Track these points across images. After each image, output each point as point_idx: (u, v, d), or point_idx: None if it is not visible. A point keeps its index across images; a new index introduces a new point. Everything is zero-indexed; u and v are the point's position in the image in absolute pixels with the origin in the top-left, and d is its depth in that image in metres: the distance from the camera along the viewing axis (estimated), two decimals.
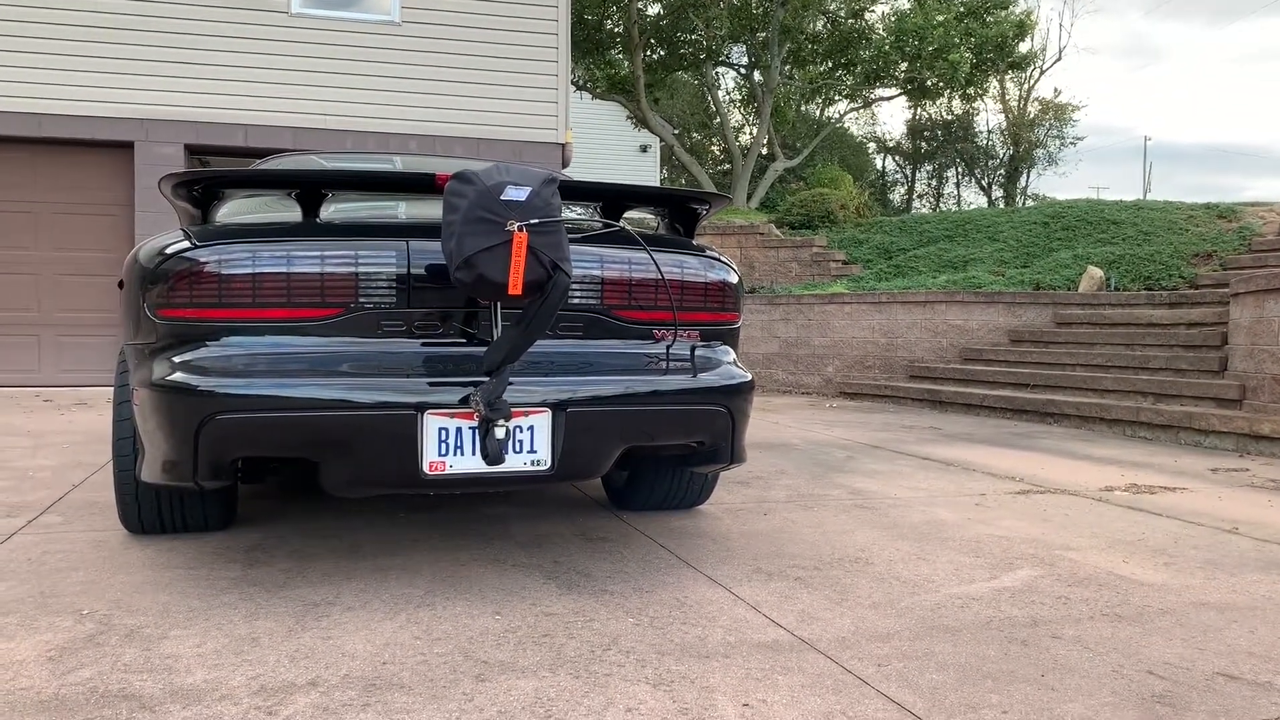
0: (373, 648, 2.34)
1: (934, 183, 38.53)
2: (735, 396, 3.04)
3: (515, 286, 2.41)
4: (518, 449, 2.75)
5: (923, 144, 36.60)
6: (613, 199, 3.17)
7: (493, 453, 2.61)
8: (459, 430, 2.68)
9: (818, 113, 26.58)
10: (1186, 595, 2.93)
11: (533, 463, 2.77)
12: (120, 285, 3.19)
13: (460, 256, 2.41)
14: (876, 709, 2.04)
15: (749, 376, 3.14)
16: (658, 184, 25.34)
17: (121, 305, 3.25)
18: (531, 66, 11.06)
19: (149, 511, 3.34)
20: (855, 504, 4.24)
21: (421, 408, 2.66)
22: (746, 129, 20.85)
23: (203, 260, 2.69)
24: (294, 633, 2.45)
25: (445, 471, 2.69)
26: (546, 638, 2.44)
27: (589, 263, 2.89)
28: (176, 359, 2.70)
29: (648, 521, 3.79)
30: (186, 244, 2.73)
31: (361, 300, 2.72)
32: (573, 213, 3.38)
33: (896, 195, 38.35)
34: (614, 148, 25.25)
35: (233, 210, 3.32)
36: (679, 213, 3.37)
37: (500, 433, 2.61)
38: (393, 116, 10.57)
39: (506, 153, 10.87)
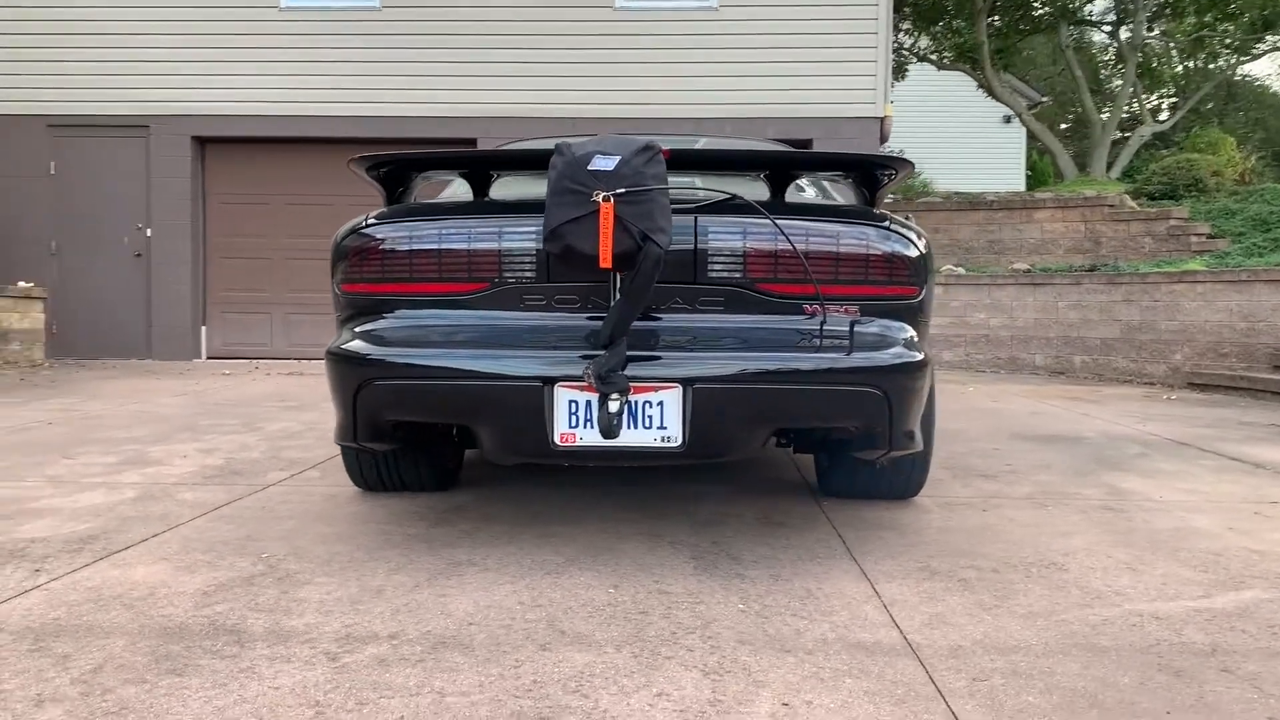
0: (472, 609, 2.43)
1: None
2: (893, 377, 2.80)
3: (605, 259, 2.38)
4: (647, 424, 2.73)
5: None
6: (776, 166, 3.02)
7: (605, 426, 2.60)
8: (588, 403, 2.70)
9: (1209, 68, 23.53)
10: None
11: (663, 439, 2.73)
12: None
13: (548, 228, 2.42)
14: None
15: (918, 356, 2.87)
16: (1023, 157, 23.70)
17: None
18: (848, 40, 10.77)
19: (369, 470, 3.66)
20: (1102, 505, 3.77)
21: (552, 380, 2.71)
22: (1121, 93, 18.85)
23: (369, 239, 2.92)
24: (418, 588, 2.59)
25: (575, 443, 2.73)
26: (641, 615, 2.41)
27: (729, 234, 2.79)
28: (350, 330, 2.96)
29: (844, 509, 3.60)
30: (360, 225, 2.97)
31: (505, 275, 2.82)
32: (737, 183, 3.27)
33: None
34: (973, 119, 23.75)
35: (451, 193, 3.56)
36: (863, 180, 3.17)
37: (614, 406, 2.60)
38: (703, 102, 10.72)
39: (820, 130, 10.70)
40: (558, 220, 2.41)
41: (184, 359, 11.04)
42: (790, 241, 2.71)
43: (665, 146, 2.80)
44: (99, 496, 3.69)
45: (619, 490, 3.86)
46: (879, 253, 2.87)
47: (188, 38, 10.92)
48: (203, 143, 11.21)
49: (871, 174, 3.11)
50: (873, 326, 2.88)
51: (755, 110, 10.73)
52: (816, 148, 10.60)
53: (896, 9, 17.44)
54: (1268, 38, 17.71)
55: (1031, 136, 19.90)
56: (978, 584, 2.72)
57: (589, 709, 1.87)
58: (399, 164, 3.05)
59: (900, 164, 3.07)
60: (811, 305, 2.82)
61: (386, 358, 2.81)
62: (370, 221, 2.97)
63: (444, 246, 2.84)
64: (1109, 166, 16.60)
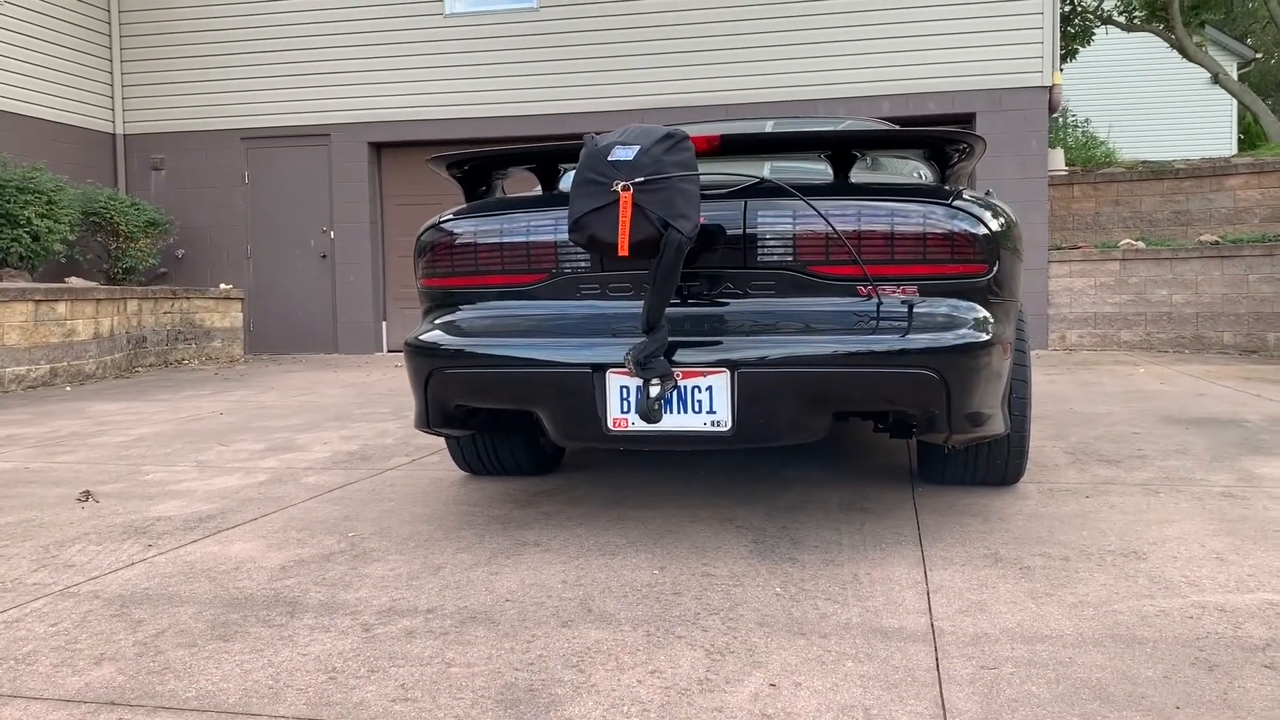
0: (515, 587, 2.54)
1: None
2: (950, 359, 2.71)
3: (623, 247, 2.43)
4: (696, 409, 2.77)
5: None
6: (833, 145, 2.98)
7: (645, 411, 2.66)
8: (638, 389, 2.76)
9: None
10: None
11: (712, 423, 2.76)
12: None
13: (571, 218, 2.50)
14: (909, 713, 1.79)
15: (982, 337, 2.76)
16: (1234, 121, 21.91)
17: None
18: (1011, 7, 10.30)
19: (470, 454, 3.84)
20: (1224, 493, 3.52)
21: (603, 367, 2.78)
22: None
23: (442, 235, 3.09)
24: (476, 567, 2.73)
25: (627, 428, 2.80)
26: (674, 596, 2.45)
27: (778, 218, 2.78)
28: (430, 321, 3.14)
29: (938, 496, 3.51)
30: (435, 222, 3.14)
31: (562, 266, 2.92)
32: (801, 164, 3.24)
33: None
34: (1174, 82, 22.01)
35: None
36: (934, 156, 3.08)
37: (654, 391, 2.65)
38: (861, 80, 10.51)
39: (982, 103, 10.32)
40: (580, 211, 2.49)
41: (366, 353, 11.75)
42: (828, 221, 2.68)
43: (718, 132, 2.83)
44: (233, 480, 4.03)
45: (711, 475, 3.89)
46: (939, 231, 2.79)
47: (361, 49, 11.59)
48: (378, 148, 11.87)
49: (941, 150, 3.02)
50: (935, 307, 2.80)
51: (913, 86, 10.44)
52: (979, 122, 10.25)
53: None
54: None
55: (1238, 98, 18.39)
56: (1039, 572, 2.62)
57: (579, 682, 1.94)
58: (473, 161, 3.19)
59: (972, 139, 2.97)
60: (865, 286, 2.78)
61: (451, 347, 2.97)
62: (445, 219, 3.13)
63: (505, 240, 2.97)
64: None
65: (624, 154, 2.45)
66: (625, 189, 2.42)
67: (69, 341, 8.34)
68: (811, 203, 2.68)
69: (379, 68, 11.58)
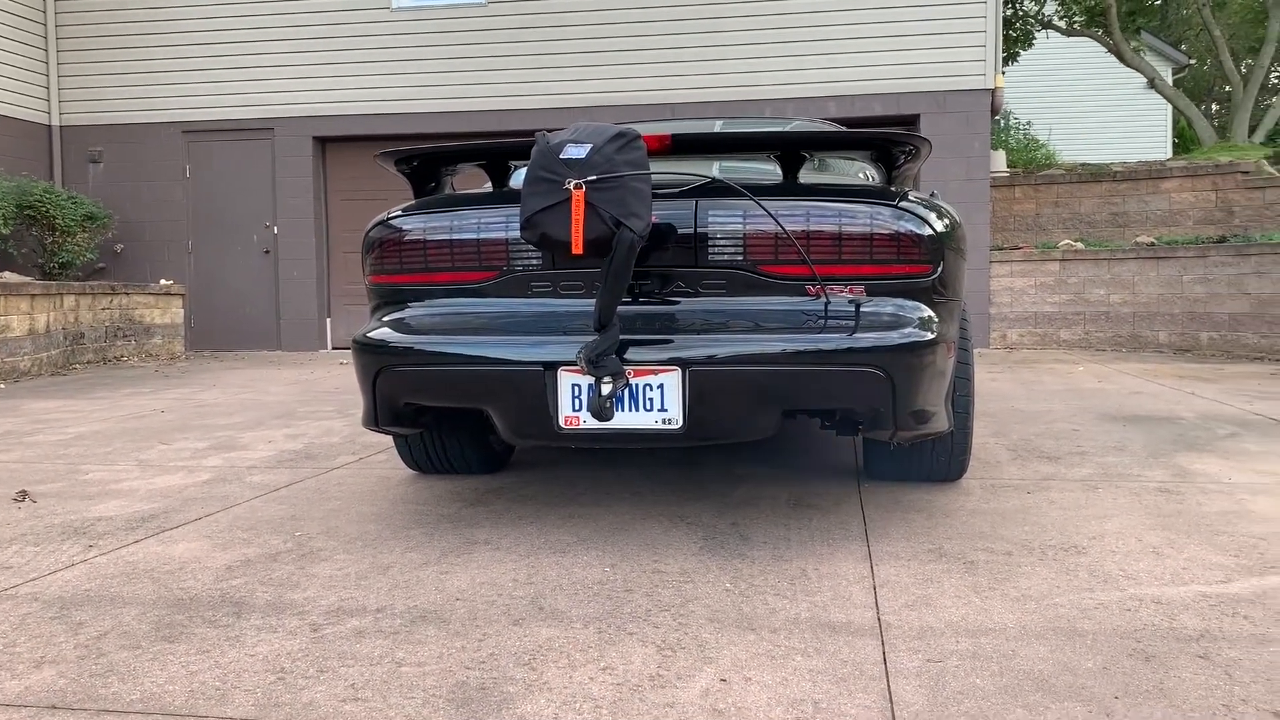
0: (466, 585, 2.54)
1: None
2: (895, 357, 2.75)
3: (577, 245, 2.44)
4: (648, 406, 2.78)
5: None
6: (782, 147, 3.01)
7: (596, 409, 2.67)
8: (590, 387, 2.76)
9: None
10: None
11: (663, 421, 2.77)
12: None
13: (523, 216, 2.50)
14: (858, 705, 1.82)
15: (926, 336, 2.81)
16: (1168, 125, 22.42)
17: None
18: (954, 10, 10.45)
19: (418, 452, 3.82)
20: (1159, 488, 3.61)
21: (555, 365, 2.78)
22: (1263, 52, 17.58)
23: (390, 231, 3.06)
24: (425, 566, 2.72)
25: (579, 426, 2.80)
26: (626, 593, 2.47)
27: (728, 217, 2.80)
28: (377, 318, 3.11)
29: (883, 492, 3.57)
30: (383, 219, 3.11)
31: (513, 263, 2.91)
32: (747, 165, 3.27)
33: None
34: (1112, 86, 22.47)
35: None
36: (880, 158, 3.13)
37: (605, 389, 2.65)
38: (806, 81, 10.60)
39: (926, 105, 10.46)
40: (532, 209, 2.49)
41: (310, 350, 11.60)
42: (777, 221, 2.71)
43: (669, 131, 2.84)
44: (176, 479, 3.97)
45: (661, 473, 3.91)
46: (886, 231, 2.83)
47: (306, 42, 11.44)
48: (323, 142, 11.72)
49: (888, 152, 3.06)
50: (881, 306, 2.84)
51: (859, 88, 10.55)
52: (923, 123, 10.39)
53: None
54: None
55: (1172, 102, 18.84)
56: (982, 567, 2.67)
57: (531, 680, 1.94)
58: (423, 158, 3.17)
59: (918, 141, 3.01)
60: (813, 286, 2.81)
61: (400, 344, 2.95)
62: (394, 215, 3.11)
63: (455, 237, 2.96)
64: (1252, 131, 15.59)
65: (576, 152, 2.45)
66: (578, 187, 2.42)
67: (2, 338, 8.13)
68: (762, 203, 2.70)
69: (324, 61, 11.45)
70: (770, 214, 2.70)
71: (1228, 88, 27.95)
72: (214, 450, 4.66)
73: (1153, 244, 10.49)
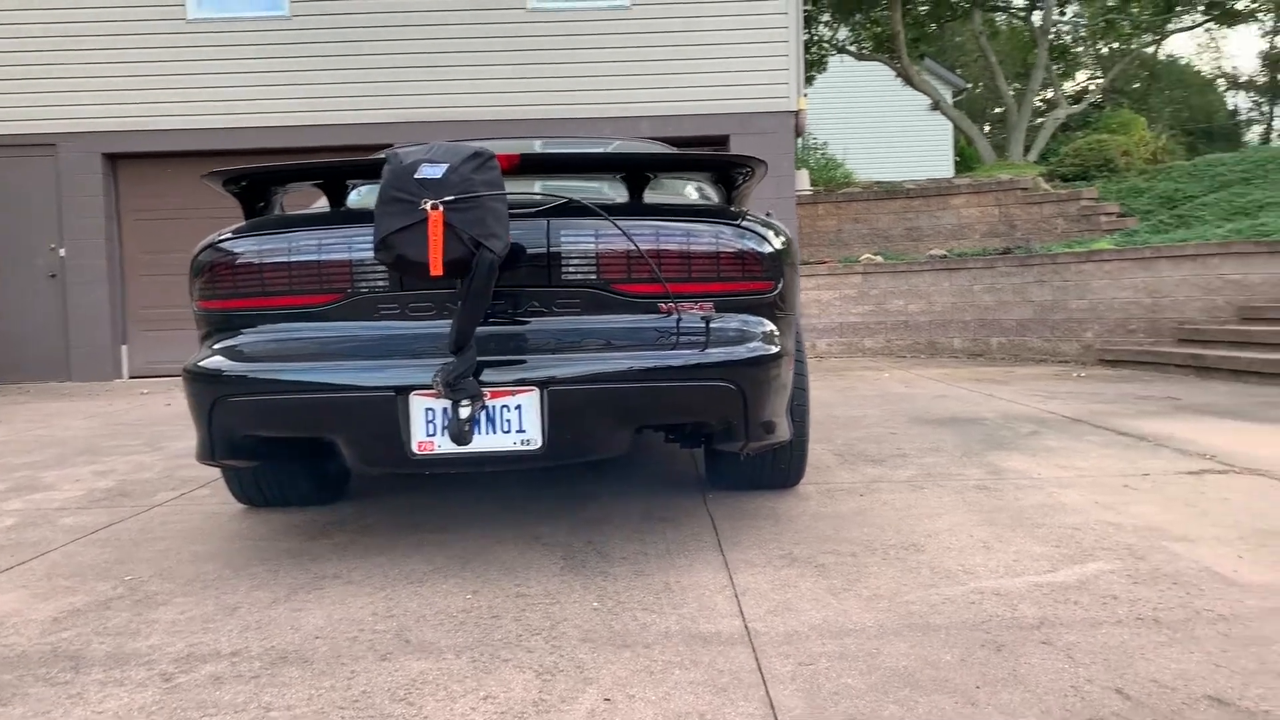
0: (323, 622, 2.44)
1: None
2: (746, 371, 2.84)
3: (436, 267, 2.40)
4: (506, 428, 2.75)
5: None
6: (630, 168, 3.05)
7: (455, 433, 2.62)
8: (445, 410, 2.71)
9: (1140, 50, 23.89)
10: (1277, 600, 2.43)
11: (522, 442, 2.75)
12: None
13: (377, 237, 2.44)
14: (742, 714, 1.86)
15: (772, 350, 2.91)
16: (950, 144, 23.98)
17: None
18: (759, 35, 10.85)
19: (249, 485, 3.64)
20: (978, 485, 3.86)
21: (407, 389, 2.72)
22: (1034, 77, 19.14)
23: (219, 255, 2.91)
24: (275, 604, 2.60)
25: (433, 452, 2.74)
26: (493, 619, 2.43)
27: (580, 237, 2.82)
28: (209, 346, 2.95)
29: (727, 501, 3.65)
30: (213, 241, 2.95)
31: (358, 285, 2.83)
32: (590, 185, 3.31)
33: (1254, 135, 34.21)
34: (900, 109, 23.94)
35: (324, 204, 3.55)
36: (720, 179, 3.22)
37: (464, 412, 2.62)
38: (619, 100, 10.76)
39: (735, 126, 10.79)
40: (387, 229, 2.43)
41: (104, 379, 10.85)
42: (634, 242, 2.75)
43: (517, 151, 2.83)
44: None
45: (512, 493, 3.88)
46: (731, 250, 2.91)
47: (93, 53, 10.73)
48: (114, 159, 11.01)
49: (727, 173, 3.16)
50: (729, 322, 2.92)
51: (672, 108, 10.78)
52: (733, 143, 10.72)
53: (815, 0, 17.65)
54: (1181, 18, 18.15)
55: (956, 123, 20.19)
56: (833, 569, 2.78)
57: (410, 716, 1.89)
58: (251, 177, 3.04)
59: (755, 163, 3.11)
60: (666, 304, 2.86)
61: (238, 373, 2.81)
62: (224, 237, 2.96)
63: (295, 259, 2.84)
64: (1026, 150, 16.91)
65: (432, 172, 2.40)
66: (435, 208, 2.38)
67: None
68: (618, 223, 2.73)
69: (114, 74, 10.76)
70: (626, 234, 2.73)
71: (997, 109, 30.29)
72: (14, 492, 4.29)
73: (945, 256, 11.20)
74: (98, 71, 10.74)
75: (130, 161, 11.05)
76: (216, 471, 4.57)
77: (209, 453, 2.90)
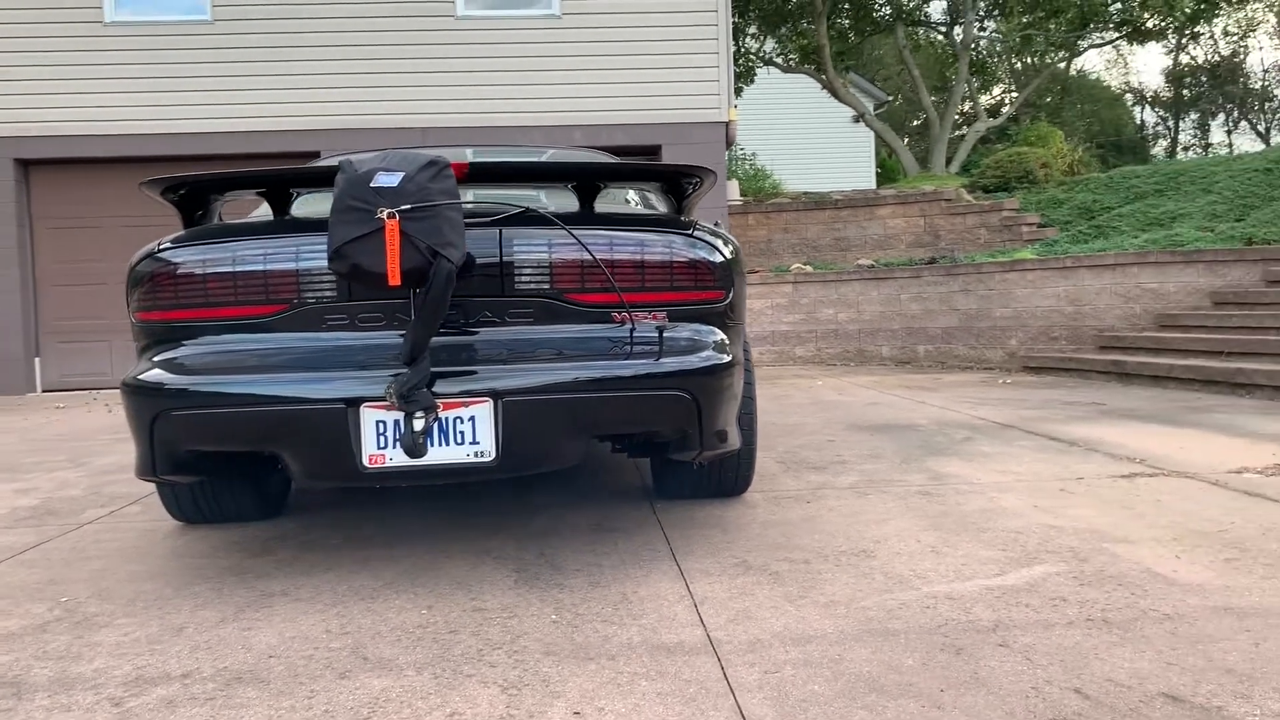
0: (276, 641, 2.37)
1: (1198, 133, 35.48)
2: (699, 380, 2.85)
3: (394, 276, 2.36)
4: (459, 440, 2.71)
5: (1186, 91, 33.70)
6: (581, 178, 3.04)
7: (409, 445, 2.58)
8: (396, 423, 2.67)
9: (1055, 65, 24.59)
10: (1216, 599, 2.51)
11: (476, 454, 2.71)
12: None
13: (332, 246, 2.39)
14: None
15: (725, 359, 2.93)
16: (873, 156, 24.42)
17: None
18: (690, 47, 10.94)
19: (186, 502, 3.54)
20: (920, 491, 3.92)
21: (357, 401, 2.66)
22: (955, 91, 19.62)
23: (158, 265, 2.82)
24: (223, 624, 2.52)
25: (385, 464, 2.69)
26: (451, 635, 2.39)
27: (533, 246, 2.80)
28: (148, 359, 2.85)
29: (676, 510, 3.65)
30: (153, 250, 2.86)
31: (305, 295, 2.77)
32: (544, 195, 3.30)
33: (1160, 149, 35.54)
34: (825, 120, 24.26)
35: (263, 213, 3.46)
36: (670, 189, 3.23)
37: (419, 425, 2.57)
38: (551, 110, 10.74)
39: (667, 136, 10.85)
40: (342, 239, 2.38)
41: (16, 393, 10.46)
42: (589, 251, 2.74)
43: (471, 160, 2.80)
44: None
45: (456, 507, 3.83)
46: (683, 259, 2.92)
47: (4, 55, 10.37)
48: (26, 165, 10.65)
49: (677, 183, 3.16)
50: (681, 331, 2.92)
51: (604, 118, 10.80)
52: (665, 153, 10.77)
53: (742, 13, 17.85)
54: (1094, 35, 18.76)
55: (880, 135, 20.59)
56: (788, 576, 2.80)
57: None
58: (191, 185, 2.96)
59: (704, 173, 3.13)
60: (620, 313, 2.85)
61: (180, 386, 2.72)
62: (164, 246, 2.87)
63: (239, 269, 2.77)
64: (948, 162, 17.31)
65: (388, 180, 2.36)
66: (391, 217, 2.34)
67: None
68: (574, 232, 2.72)
69: (26, 77, 10.41)
70: (582, 243, 2.72)
71: (916, 122, 30.98)
72: None
73: (873, 265, 11.39)
74: (8, 75, 10.40)
75: (43, 168, 10.71)
76: (148, 487, 4.44)
77: (150, 469, 2.81)
